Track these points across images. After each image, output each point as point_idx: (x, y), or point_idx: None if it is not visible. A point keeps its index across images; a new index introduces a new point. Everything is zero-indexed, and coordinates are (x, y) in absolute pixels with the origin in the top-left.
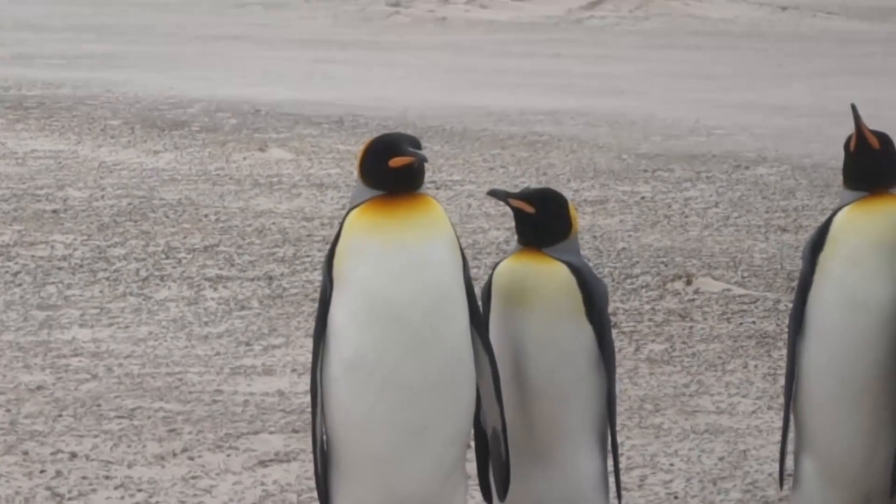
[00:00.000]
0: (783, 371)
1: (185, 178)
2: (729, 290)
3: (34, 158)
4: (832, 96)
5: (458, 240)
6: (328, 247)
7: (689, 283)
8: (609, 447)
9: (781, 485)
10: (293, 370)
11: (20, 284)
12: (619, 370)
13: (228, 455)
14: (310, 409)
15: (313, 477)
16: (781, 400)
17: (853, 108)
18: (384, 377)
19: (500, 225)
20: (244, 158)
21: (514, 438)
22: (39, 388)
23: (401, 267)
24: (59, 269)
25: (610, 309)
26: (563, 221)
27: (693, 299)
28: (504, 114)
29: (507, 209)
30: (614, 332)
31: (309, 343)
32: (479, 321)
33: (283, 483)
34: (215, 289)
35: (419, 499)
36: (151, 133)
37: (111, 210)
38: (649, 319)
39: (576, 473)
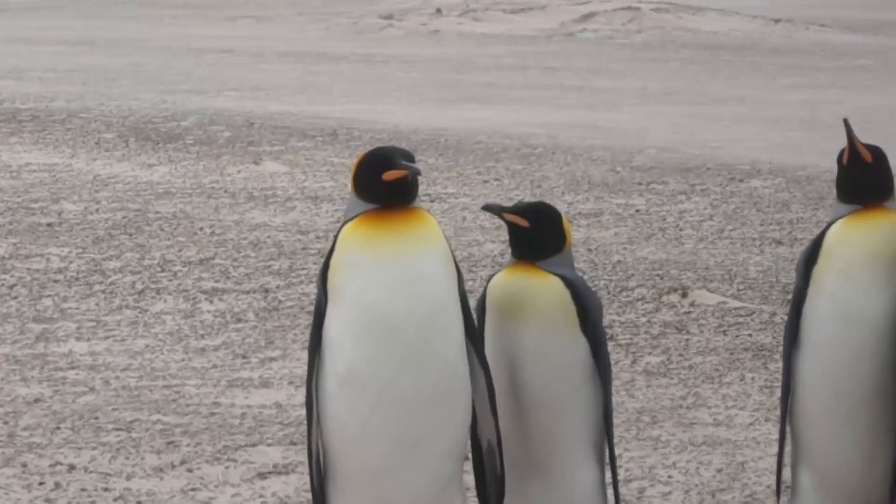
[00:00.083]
0: (779, 383)
1: (179, 192)
2: (724, 302)
3: (28, 171)
4: (826, 109)
5: (453, 253)
6: (323, 260)
7: (684, 295)
8: (606, 459)
9: (779, 497)
10: (290, 382)
11: (16, 297)
12: (615, 382)
13: (227, 467)
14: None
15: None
16: (778, 412)
17: (846, 122)
18: (379, 390)
19: (495, 238)
20: (238, 171)
21: (511, 451)
22: (37, 400)
23: (395, 280)
24: (55, 281)
25: (606, 321)
26: (557, 235)
27: (689, 312)
28: (498, 126)
29: (502, 222)
30: (610, 344)
31: (305, 355)
32: (474, 334)
33: (281, 495)
34: (211, 301)
35: None
36: (146, 146)
37: (106, 223)
38: (645, 332)
39: (573, 486)
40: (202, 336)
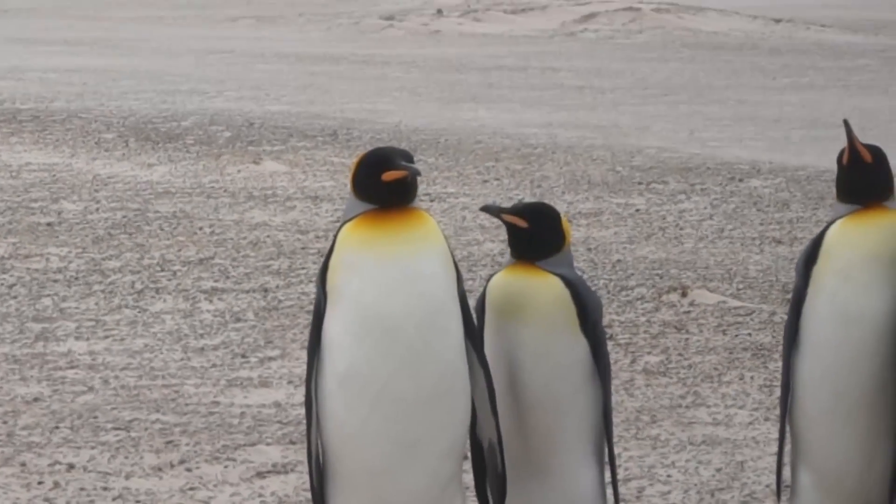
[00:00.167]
0: (779, 383)
1: (179, 191)
2: (724, 302)
3: (28, 171)
4: (826, 109)
5: (452, 253)
6: (322, 260)
7: (684, 295)
8: (606, 459)
9: (779, 496)
10: (289, 382)
11: (15, 297)
12: (615, 382)
13: (226, 466)
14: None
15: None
16: (777, 411)
17: (846, 123)
18: (378, 390)
19: (495, 237)
20: (238, 171)
21: (511, 451)
22: (36, 399)
23: (394, 280)
24: (55, 281)
25: (605, 321)
26: (555, 235)
27: (688, 311)
28: (498, 126)
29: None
30: (610, 344)
31: (304, 355)
32: (473, 334)
33: (280, 494)
34: (210, 301)
35: None
36: (146, 146)
37: (106, 223)
38: (645, 331)
39: (572, 485)
40: (201, 335)
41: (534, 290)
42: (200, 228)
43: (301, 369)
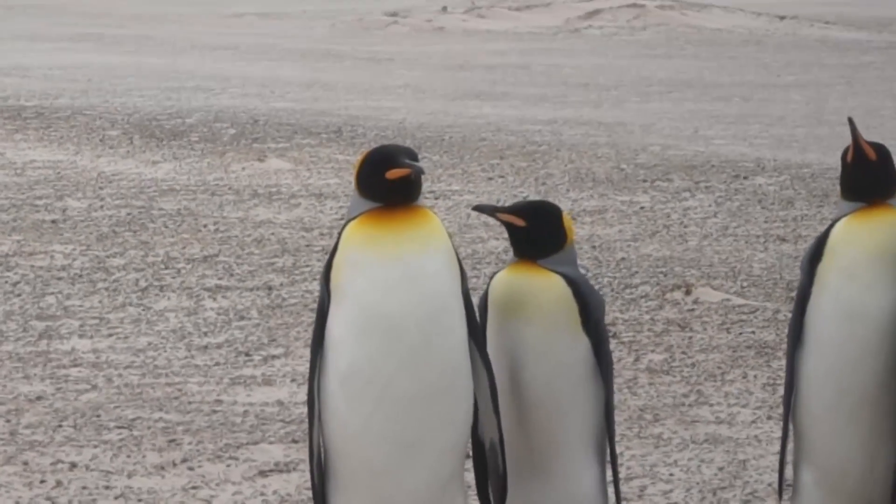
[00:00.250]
0: (782, 381)
1: (183, 189)
2: (728, 300)
3: (33, 168)
4: (830, 106)
5: (456, 251)
6: (326, 258)
7: (688, 293)
8: (608, 458)
9: (781, 495)
10: (293, 380)
11: (19, 295)
12: (618, 380)
13: (228, 465)
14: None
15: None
16: (781, 410)
17: (850, 121)
18: (380, 389)
19: (499, 235)
20: (243, 168)
21: (513, 450)
22: (39, 398)
23: (397, 279)
24: (59, 279)
25: (609, 319)
26: (556, 233)
27: (692, 309)
28: (502, 123)
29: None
30: (613, 342)
31: (308, 353)
32: (476, 333)
33: (282, 493)
34: (214, 299)
35: None
36: (150, 143)
37: (110, 220)
38: (648, 329)
39: (574, 484)
40: (205, 334)
41: (536, 288)
42: (205, 226)
43: (304, 368)
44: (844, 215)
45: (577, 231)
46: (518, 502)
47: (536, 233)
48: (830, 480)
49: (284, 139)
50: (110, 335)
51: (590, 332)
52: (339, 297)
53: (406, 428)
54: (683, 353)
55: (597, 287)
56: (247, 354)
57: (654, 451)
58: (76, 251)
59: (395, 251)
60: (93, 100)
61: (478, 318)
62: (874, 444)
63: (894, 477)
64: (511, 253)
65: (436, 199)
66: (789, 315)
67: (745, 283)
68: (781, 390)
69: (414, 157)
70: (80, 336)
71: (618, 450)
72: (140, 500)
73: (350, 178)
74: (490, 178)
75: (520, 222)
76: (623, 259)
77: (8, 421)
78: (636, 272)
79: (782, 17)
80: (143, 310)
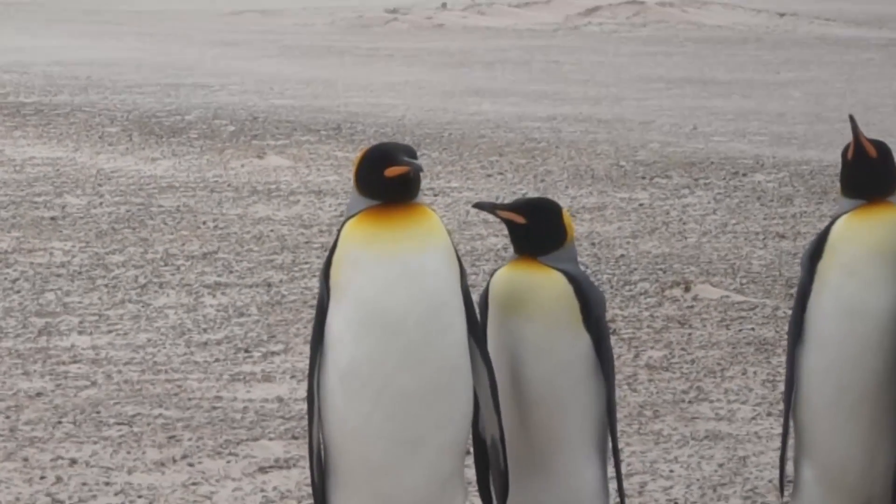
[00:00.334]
0: (782, 377)
1: (183, 186)
2: (727, 296)
3: (32, 165)
4: (829, 103)
5: (456, 249)
6: (326, 255)
7: (687, 289)
8: (609, 454)
9: (782, 491)
10: (292, 377)
11: (19, 291)
12: (618, 377)
13: (228, 461)
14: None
15: None
16: (781, 406)
17: (851, 118)
18: (379, 386)
19: (499, 231)
20: (242, 165)
21: (514, 447)
22: (39, 394)
23: (396, 277)
24: (58, 276)
25: (609, 316)
26: (556, 230)
27: (692, 306)
28: (502, 120)
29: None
30: (613, 338)
31: (307, 350)
32: (476, 330)
33: (282, 489)
34: (214, 296)
35: None
36: (149, 140)
37: (109, 217)
38: (648, 326)
39: (575, 481)
40: (205, 330)
41: (536, 285)
42: (204, 223)
43: (304, 364)
44: (845, 212)
45: (577, 228)
46: (520, 499)
47: (536, 230)
48: (831, 477)
49: (284, 136)
50: (110, 332)
51: (591, 328)
52: (338, 295)
53: (405, 425)
54: (683, 349)
55: (596, 284)
56: (246, 351)
57: (654, 448)
58: (75, 248)
59: (394, 248)
60: (92, 97)
61: (478, 316)
62: (874, 440)
63: (895, 473)
64: (511, 250)
65: (435, 196)
66: (788, 312)
67: (744, 280)
68: (781, 387)
69: (413, 154)
70: (80, 332)
71: (618, 446)
72: (140, 497)
73: (349, 175)
74: (489, 175)
75: (520, 219)
76: (622, 256)
77: (8, 417)
78: (635, 269)
79: (782, 14)
80: (143, 306)
